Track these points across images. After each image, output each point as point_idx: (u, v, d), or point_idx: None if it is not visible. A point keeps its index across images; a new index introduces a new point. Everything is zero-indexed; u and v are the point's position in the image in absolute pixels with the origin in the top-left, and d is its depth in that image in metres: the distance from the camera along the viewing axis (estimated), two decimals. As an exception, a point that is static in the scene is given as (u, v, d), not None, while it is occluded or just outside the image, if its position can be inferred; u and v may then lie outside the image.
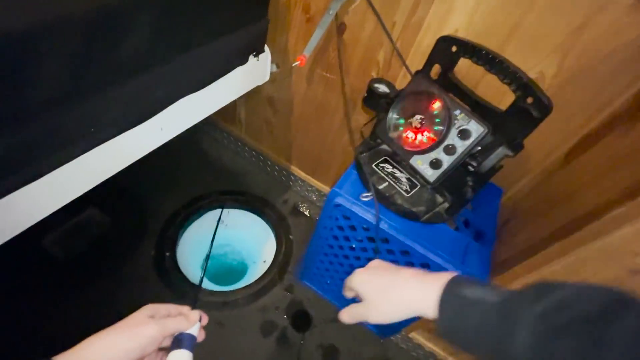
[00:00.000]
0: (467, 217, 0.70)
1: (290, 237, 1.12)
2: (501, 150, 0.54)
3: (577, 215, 0.50)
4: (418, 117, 0.54)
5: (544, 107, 0.49)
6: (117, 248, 0.96)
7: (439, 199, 0.65)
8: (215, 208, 1.16)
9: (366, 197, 0.62)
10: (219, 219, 0.87)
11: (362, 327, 0.96)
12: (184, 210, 1.08)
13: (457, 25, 0.61)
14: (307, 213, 1.20)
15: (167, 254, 0.98)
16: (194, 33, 0.55)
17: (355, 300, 0.45)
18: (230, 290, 0.97)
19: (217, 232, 1.26)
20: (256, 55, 0.72)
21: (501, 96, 0.60)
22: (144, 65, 0.47)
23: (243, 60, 0.69)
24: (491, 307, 0.31)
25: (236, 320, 0.91)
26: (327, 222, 0.71)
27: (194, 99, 0.63)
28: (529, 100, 0.50)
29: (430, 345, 0.88)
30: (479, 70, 0.59)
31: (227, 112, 1.17)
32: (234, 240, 1.32)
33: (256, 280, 1.00)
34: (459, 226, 0.67)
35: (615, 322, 0.23)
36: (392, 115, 0.57)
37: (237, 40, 0.64)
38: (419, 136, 0.55)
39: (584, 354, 0.23)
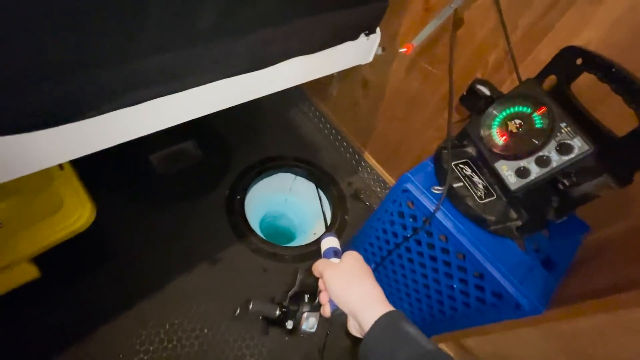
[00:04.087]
0: (539, 242, 0.66)
1: (346, 217, 1.16)
2: (603, 179, 0.50)
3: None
4: (517, 121, 0.52)
5: (673, 141, 0.44)
6: (202, 179, 1.11)
7: (513, 214, 0.62)
8: (286, 171, 1.25)
9: (438, 190, 0.63)
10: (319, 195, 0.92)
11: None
12: (260, 165, 1.19)
13: (589, 37, 0.57)
14: (366, 201, 1.22)
15: (238, 197, 1.10)
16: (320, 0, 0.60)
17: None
18: (280, 246, 1.05)
19: (276, 196, 1.35)
20: (367, 35, 0.75)
21: (619, 122, 0.55)
22: (272, 20, 0.54)
23: (355, 36, 0.74)
24: (422, 352, 0.34)
25: (278, 271, 1.00)
26: (389, 205, 0.73)
27: (302, 61, 0.69)
28: (656, 130, 0.45)
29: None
30: (600, 89, 0.55)
31: (320, 87, 1.24)
32: (292, 206, 1.40)
33: (305, 245, 1.06)
34: (527, 249, 0.64)
35: None
36: (490, 114, 0.56)
37: (355, 15, 0.68)
38: (512, 141, 0.53)
39: None
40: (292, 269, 1.01)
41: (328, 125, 1.30)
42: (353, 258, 0.46)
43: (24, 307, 0.77)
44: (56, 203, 0.63)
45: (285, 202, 1.41)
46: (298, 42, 0.63)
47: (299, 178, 1.28)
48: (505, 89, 0.71)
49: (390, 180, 1.15)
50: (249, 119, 1.31)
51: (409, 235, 0.71)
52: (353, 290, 0.41)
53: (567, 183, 0.48)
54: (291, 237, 1.43)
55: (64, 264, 0.73)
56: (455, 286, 0.68)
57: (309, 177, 1.25)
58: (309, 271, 0.51)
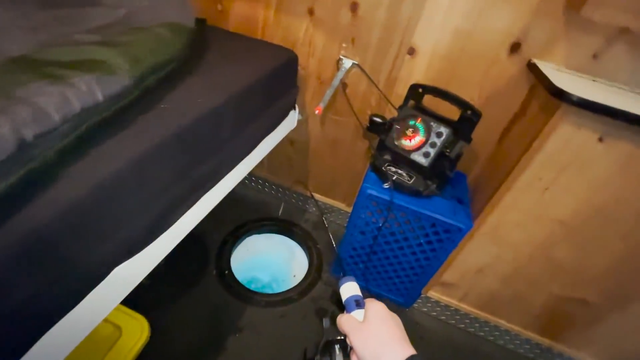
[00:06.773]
0: (451, 193, 1.06)
1: (318, 246, 1.39)
2: (461, 143, 0.93)
3: (507, 172, 0.88)
4: (410, 129, 0.91)
5: (477, 115, 0.89)
6: (186, 271, 1.17)
7: (430, 182, 1.01)
8: (250, 234, 1.41)
9: (387, 185, 0.96)
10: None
11: (389, 300, 1.23)
12: (230, 237, 1.33)
13: (418, 77, 1.03)
14: (326, 225, 1.48)
15: (226, 272, 1.20)
16: (261, 107, 0.88)
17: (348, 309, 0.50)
18: (285, 290, 1.20)
19: (241, 258, 1.47)
20: (295, 110, 1.07)
21: (450, 113, 1.00)
22: (235, 133, 0.78)
23: (286, 115, 1.04)
24: None
25: (295, 310, 1.14)
26: (360, 212, 1.03)
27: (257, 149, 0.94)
28: (469, 112, 0.90)
29: (445, 299, 1.17)
30: (436, 100, 0.99)
31: (251, 158, 1.48)
32: (259, 266, 1.53)
33: (304, 280, 1.24)
34: (447, 198, 1.03)
35: None
36: (395, 130, 0.94)
37: (284, 102, 1.00)
38: (413, 140, 0.92)
39: None
40: (304, 304, 1.17)
41: (267, 184, 1.54)
42: (378, 315, 0.45)
43: None
44: (115, 332, 0.68)
45: (255, 262, 1.54)
46: (257, 136, 0.88)
47: (264, 235, 1.46)
48: (387, 114, 1.13)
49: (336, 204, 1.46)
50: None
51: (380, 225, 1.02)
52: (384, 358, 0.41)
53: (449, 151, 0.88)
54: (273, 290, 1.54)
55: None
56: (422, 241, 1.02)
57: (271, 230, 1.44)
58: (332, 319, 0.50)
